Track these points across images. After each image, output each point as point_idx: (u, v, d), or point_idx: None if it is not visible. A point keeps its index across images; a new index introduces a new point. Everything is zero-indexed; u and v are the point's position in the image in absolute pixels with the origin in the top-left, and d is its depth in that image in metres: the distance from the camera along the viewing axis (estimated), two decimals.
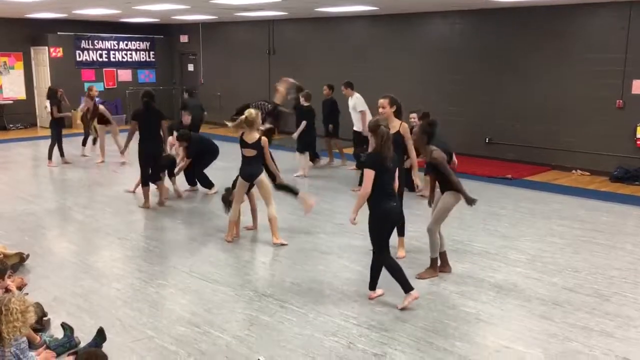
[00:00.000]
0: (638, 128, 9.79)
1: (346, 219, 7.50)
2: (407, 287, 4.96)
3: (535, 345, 4.35)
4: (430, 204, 5.81)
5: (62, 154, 11.10)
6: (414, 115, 8.28)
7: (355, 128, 10.06)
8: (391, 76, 12.81)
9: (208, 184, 9.01)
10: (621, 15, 9.87)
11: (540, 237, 6.92)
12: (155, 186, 8.27)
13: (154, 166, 8.11)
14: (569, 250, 6.48)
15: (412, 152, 6.01)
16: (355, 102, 10.00)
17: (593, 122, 10.26)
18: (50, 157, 10.99)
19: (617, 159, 10.03)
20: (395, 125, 5.88)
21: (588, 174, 10.35)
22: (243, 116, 6.41)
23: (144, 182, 8.10)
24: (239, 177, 6.60)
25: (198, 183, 9.14)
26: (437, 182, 5.68)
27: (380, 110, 5.93)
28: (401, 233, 6.21)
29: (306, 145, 10.29)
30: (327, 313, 4.87)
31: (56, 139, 10.92)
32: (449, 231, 7.07)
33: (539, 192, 9.13)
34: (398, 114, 5.99)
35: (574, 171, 10.48)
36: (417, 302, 5.06)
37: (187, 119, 9.69)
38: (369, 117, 9.30)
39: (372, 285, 5.18)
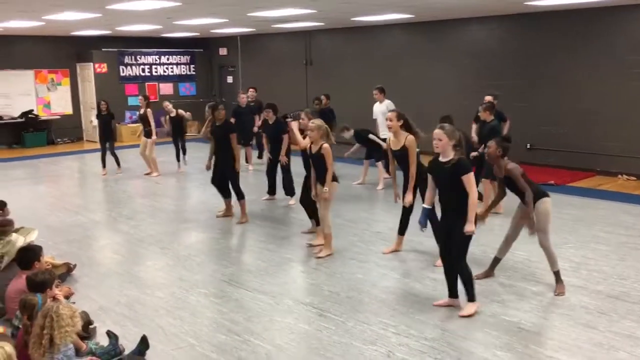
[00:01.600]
0: None
1: (383, 227, 7.54)
2: (473, 297, 4.95)
3: (580, 355, 4.25)
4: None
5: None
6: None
7: (381, 135, 9.90)
8: (428, 84, 12.76)
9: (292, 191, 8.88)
10: None
11: (585, 244, 6.76)
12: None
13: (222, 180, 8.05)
14: (615, 257, 6.31)
15: (413, 167, 6.07)
16: (386, 108, 10.04)
17: (632, 125, 9.98)
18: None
19: None
20: (401, 139, 6.06)
21: (634, 178, 10.06)
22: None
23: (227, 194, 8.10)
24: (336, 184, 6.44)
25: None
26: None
27: (388, 123, 6.11)
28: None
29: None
30: (366, 321, 4.86)
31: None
32: (490, 239, 6.99)
33: (583, 198, 8.92)
34: (407, 128, 6.09)
35: (619, 176, 10.20)
36: (457, 311, 5.01)
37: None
38: None
39: (455, 293, 5.08)
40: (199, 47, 18.31)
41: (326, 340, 4.56)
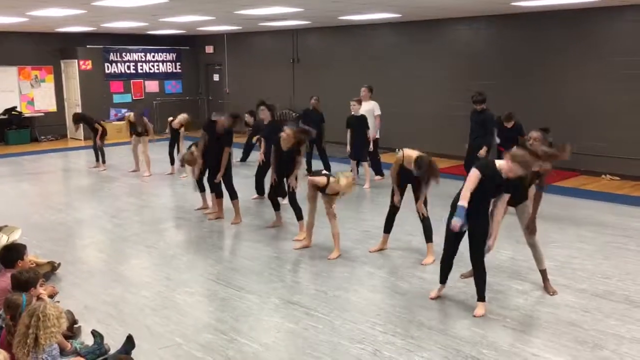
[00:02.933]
0: None
1: (370, 225, 7.55)
2: (484, 296, 4.98)
3: (565, 353, 4.29)
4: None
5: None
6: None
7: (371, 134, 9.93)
8: (416, 83, 12.79)
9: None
10: None
11: (569, 244, 6.83)
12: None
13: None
14: (599, 256, 6.37)
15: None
16: (374, 107, 10.16)
17: (622, 126, 10.08)
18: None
19: None
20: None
21: (618, 178, 10.17)
22: None
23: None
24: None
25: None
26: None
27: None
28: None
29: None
30: (353, 320, 4.87)
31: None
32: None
33: (567, 197, 9.00)
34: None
35: (603, 176, 10.31)
36: (444, 309, 5.04)
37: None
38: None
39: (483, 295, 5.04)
40: (185, 45, 18.20)
41: (313, 339, 4.56)
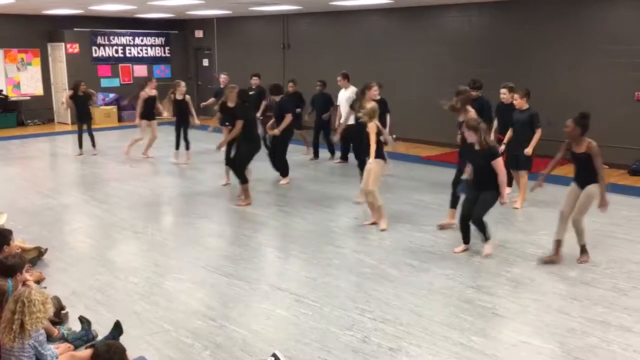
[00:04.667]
0: None
1: (361, 213, 7.53)
2: (489, 237, 6.04)
3: (553, 340, 4.32)
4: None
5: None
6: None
7: (343, 120, 9.90)
8: (406, 69, 12.74)
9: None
10: (639, 6, 9.73)
11: None
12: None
13: None
14: (587, 244, 6.39)
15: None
16: (351, 95, 10.04)
17: (611, 115, 10.11)
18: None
19: (636, 152, 9.89)
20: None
21: (606, 167, 10.12)
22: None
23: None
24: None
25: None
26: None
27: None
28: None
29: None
30: (343, 307, 4.87)
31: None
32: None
33: (556, 185, 9.01)
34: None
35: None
36: (433, 297, 5.06)
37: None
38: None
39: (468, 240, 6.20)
40: (174, 29, 18.00)
41: (303, 326, 4.55)
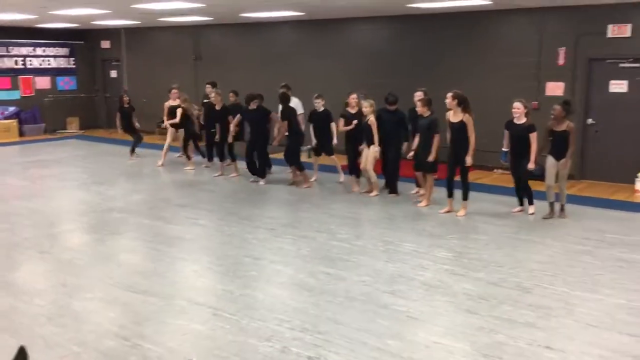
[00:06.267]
0: None
1: (277, 224, 7.56)
2: (532, 202, 8.02)
3: (463, 339, 4.50)
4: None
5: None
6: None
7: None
8: (318, 80, 12.90)
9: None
10: (533, 21, 10.42)
11: (466, 235, 7.17)
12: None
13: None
14: (493, 246, 6.74)
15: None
16: (296, 106, 10.26)
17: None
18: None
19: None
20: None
21: (509, 172, 10.76)
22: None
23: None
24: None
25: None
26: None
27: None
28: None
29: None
30: (261, 318, 4.84)
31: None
32: (379, 232, 7.23)
33: (459, 190, 9.43)
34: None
35: (495, 170, 10.91)
36: (350, 304, 5.13)
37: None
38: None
39: (522, 202, 8.22)
40: (79, 39, 17.30)
41: (220, 340, 4.48)
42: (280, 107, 10.08)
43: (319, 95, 9.82)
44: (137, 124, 12.34)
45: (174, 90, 11.63)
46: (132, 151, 12.30)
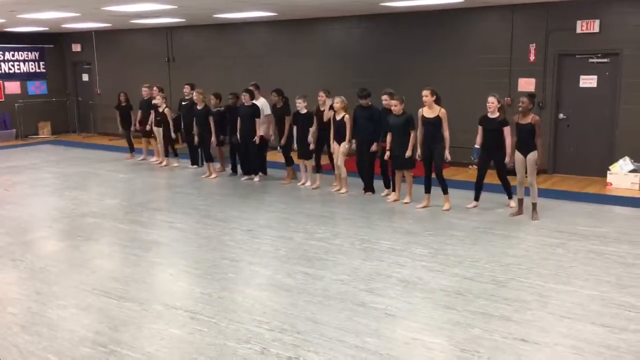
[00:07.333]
0: None
1: (254, 225, 7.54)
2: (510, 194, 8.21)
3: (441, 335, 4.54)
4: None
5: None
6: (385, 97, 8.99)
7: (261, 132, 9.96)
8: (293, 80, 12.89)
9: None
10: (504, 18, 10.55)
11: (442, 231, 7.24)
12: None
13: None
14: (468, 241, 6.81)
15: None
16: (263, 105, 10.17)
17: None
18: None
19: None
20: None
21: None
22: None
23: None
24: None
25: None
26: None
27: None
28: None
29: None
30: (239, 320, 4.83)
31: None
32: (355, 230, 7.27)
33: (438, 188, 9.51)
34: None
35: (470, 166, 11.02)
36: (329, 303, 5.14)
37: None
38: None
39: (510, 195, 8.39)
40: (49, 43, 17.04)
41: (199, 343, 4.46)
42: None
43: (301, 96, 9.54)
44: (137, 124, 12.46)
45: (155, 88, 11.66)
46: (131, 150, 12.64)
